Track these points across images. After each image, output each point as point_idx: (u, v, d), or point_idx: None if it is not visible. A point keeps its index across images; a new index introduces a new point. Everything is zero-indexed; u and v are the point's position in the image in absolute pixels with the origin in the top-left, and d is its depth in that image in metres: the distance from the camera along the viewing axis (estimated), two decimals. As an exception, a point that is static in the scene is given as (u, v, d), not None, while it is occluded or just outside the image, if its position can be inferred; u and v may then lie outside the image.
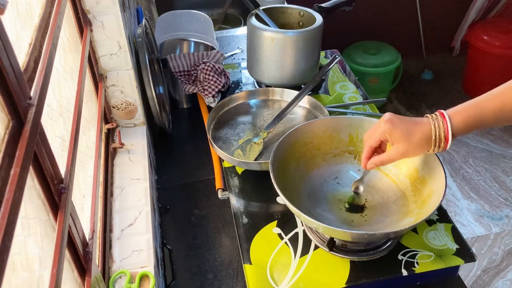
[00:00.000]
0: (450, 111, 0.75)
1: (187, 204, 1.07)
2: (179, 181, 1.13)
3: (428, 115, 0.76)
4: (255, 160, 1.01)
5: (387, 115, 0.77)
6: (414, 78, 2.91)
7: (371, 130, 0.79)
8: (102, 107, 0.98)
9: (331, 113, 1.15)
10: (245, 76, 1.39)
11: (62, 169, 0.62)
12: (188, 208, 1.05)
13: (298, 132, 0.93)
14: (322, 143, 0.96)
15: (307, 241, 0.87)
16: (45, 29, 0.63)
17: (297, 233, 0.88)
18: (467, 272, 1.84)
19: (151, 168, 1.06)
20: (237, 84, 1.36)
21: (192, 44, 1.32)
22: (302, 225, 0.90)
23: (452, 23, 2.87)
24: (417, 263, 0.82)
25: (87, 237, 0.70)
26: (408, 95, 2.80)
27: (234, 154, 1.02)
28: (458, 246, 0.85)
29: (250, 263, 0.83)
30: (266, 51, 1.20)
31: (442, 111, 0.75)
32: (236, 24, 1.99)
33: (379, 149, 0.81)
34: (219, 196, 0.99)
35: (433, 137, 0.74)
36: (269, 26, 1.21)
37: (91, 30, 0.95)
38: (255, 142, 1.04)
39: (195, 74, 1.27)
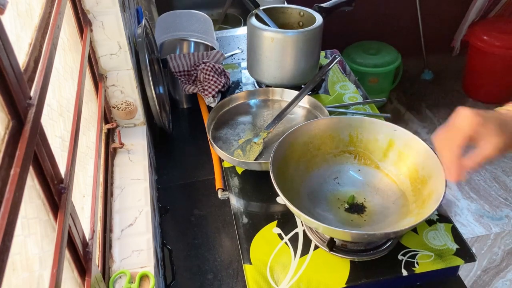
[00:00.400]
0: None
1: (187, 204, 1.07)
2: (179, 181, 1.13)
3: (500, 109, 0.65)
4: (255, 160, 1.01)
5: (464, 110, 0.63)
6: (414, 78, 2.91)
7: (444, 135, 0.64)
8: (102, 107, 0.98)
9: (331, 113, 1.15)
10: (245, 76, 1.39)
11: (62, 169, 0.62)
12: (188, 208, 1.05)
13: (298, 132, 0.93)
14: (322, 143, 0.96)
15: (307, 241, 0.87)
16: (45, 29, 0.63)
17: (297, 233, 0.88)
18: (467, 272, 1.84)
19: (151, 168, 1.06)
20: (237, 84, 1.36)
21: (192, 44, 1.32)
22: (302, 225, 0.90)
23: (452, 23, 2.86)
24: (417, 263, 0.82)
25: (87, 237, 0.70)
26: (408, 95, 2.80)
27: (234, 154, 1.02)
28: (458, 246, 0.85)
29: (250, 263, 0.83)
30: (266, 51, 1.20)
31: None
32: (236, 24, 1.99)
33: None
34: (219, 196, 0.99)
35: None
36: (269, 26, 1.21)
37: (91, 30, 0.95)
38: (255, 142, 1.04)
39: (195, 74, 1.27)
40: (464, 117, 0.63)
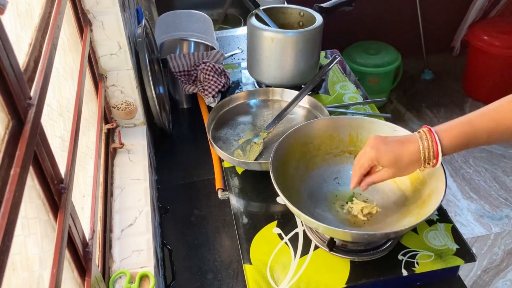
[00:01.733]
0: (440, 128, 0.72)
1: (187, 204, 1.07)
2: (179, 181, 1.13)
3: (416, 132, 0.74)
4: (255, 160, 1.01)
5: (372, 141, 0.76)
6: (414, 78, 2.91)
7: (359, 157, 0.79)
8: (102, 107, 0.98)
9: (331, 113, 1.15)
10: (245, 76, 1.39)
11: (62, 169, 0.62)
12: (188, 208, 1.05)
13: (298, 132, 0.93)
14: (322, 143, 0.96)
15: (307, 241, 0.87)
16: (45, 29, 0.63)
17: (297, 233, 0.88)
18: (467, 272, 1.84)
19: (151, 168, 1.06)
20: (237, 84, 1.36)
21: (192, 44, 1.32)
22: (302, 225, 0.90)
23: (452, 23, 2.86)
24: (417, 263, 0.82)
25: (87, 237, 0.70)
26: (408, 95, 2.80)
27: (234, 154, 1.02)
28: (458, 246, 0.85)
29: (250, 263, 0.83)
30: (266, 51, 1.20)
31: (431, 128, 0.72)
32: (236, 24, 1.99)
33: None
34: (219, 196, 0.99)
35: (422, 157, 0.73)
36: (269, 26, 1.21)
37: (91, 30, 0.95)
38: (255, 142, 1.04)
39: (195, 74, 1.27)
40: (366, 149, 0.77)
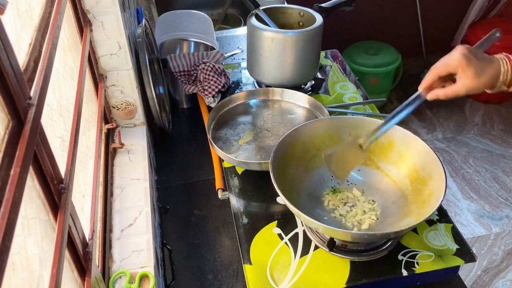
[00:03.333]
0: None
1: (187, 204, 1.07)
2: (179, 181, 1.13)
3: (497, 56, 0.77)
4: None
5: (462, 49, 0.76)
6: (414, 78, 2.91)
7: (443, 60, 0.78)
8: (102, 107, 0.98)
9: (331, 113, 1.15)
10: (245, 76, 1.39)
11: (62, 169, 0.62)
12: (188, 208, 1.05)
13: (298, 132, 0.93)
14: (322, 143, 0.96)
15: (307, 241, 0.87)
16: (45, 29, 0.63)
17: (297, 233, 0.88)
18: (467, 272, 1.84)
19: (151, 168, 1.06)
20: (237, 84, 1.36)
21: (192, 44, 1.32)
22: (302, 225, 0.90)
23: (452, 23, 2.86)
24: (417, 263, 0.82)
25: (87, 237, 0.70)
26: (408, 95, 2.79)
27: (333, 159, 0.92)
28: (458, 246, 0.85)
29: (250, 263, 0.83)
30: (266, 51, 1.20)
31: (508, 56, 0.76)
32: (236, 24, 1.99)
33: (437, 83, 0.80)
34: (219, 196, 0.99)
35: (501, 78, 0.75)
36: (269, 26, 1.21)
37: (91, 30, 0.95)
38: (359, 145, 0.89)
39: (195, 74, 1.27)
40: (454, 55, 0.76)
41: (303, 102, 1.17)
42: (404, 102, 0.84)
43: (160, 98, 1.25)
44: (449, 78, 0.79)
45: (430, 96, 0.80)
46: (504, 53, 0.76)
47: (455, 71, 0.76)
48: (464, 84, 0.76)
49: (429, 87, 0.80)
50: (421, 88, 0.81)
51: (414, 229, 0.88)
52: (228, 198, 0.98)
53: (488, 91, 0.78)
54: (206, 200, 1.07)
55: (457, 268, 0.85)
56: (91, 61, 0.97)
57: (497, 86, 0.76)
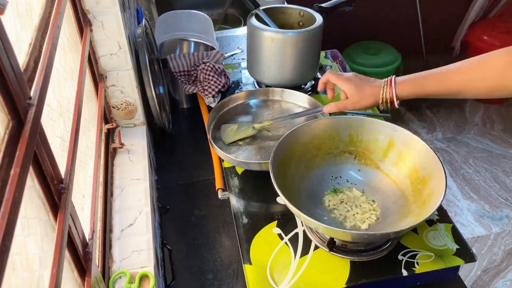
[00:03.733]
0: (400, 79, 0.89)
1: (187, 204, 1.07)
2: (179, 181, 1.13)
3: (384, 80, 0.91)
4: (230, 143, 1.05)
5: (349, 75, 0.95)
6: (414, 78, 2.91)
7: (338, 77, 0.96)
8: (102, 107, 0.98)
9: (331, 113, 1.15)
10: (245, 76, 1.39)
11: (62, 169, 0.62)
12: (188, 208, 1.05)
13: (298, 132, 0.93)
14: (322, 143, 0.96)
15: (307, 241, 0.87)
16: (45, 29, 0.63)
17: (297, 233, 0.88)
18: (467, 272, 1.84)
19: (151, 168, 1.06)
20: (237, 84, 1.36)
21: (192, 44, 1.32)
22: (302, 225, 0.90)
23: (452, 23, 2.86)
24: (417, 263, 0.82)
25: (87, 237, 0.70)
26: (408, 95, 2.79)
27: (228, 128, 1.08)
28: (458, 246, 0.85)
29: (250, 263, 0.83)
30: (266, 51, 1.20)
31: (393, 78, 0.90)
32: (236, 24, 1.99)
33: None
34: (219, 196, 0.99)
35: (380, 98, 0.91)
36: (269, 26, 1.21)
37: (91, 30, 0.95)
38: (253, 127, 1.05)
39: (195, 74, 1.27)
40: (343, 78, 0.95)
41: (303, 102, 1.17)
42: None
43: (160, 98, 1.25)
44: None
45: (326, 109, 1.02)
46: (391, 78, 0.90)
47: (337, 81, 0.95)
48: (350, 99, 0.95)
49: (324, 83, 1.01)
50: (319, 89, 1.03)
51: (414, 229, 0.88)
52: (228, 198, 0.98)
53: (380, 107, 0.92)
54: (206, 200, 1.07)
55: (457, 268, 0.85)
56: (91, 61, 0.97)
57: (380, 103, 0.91)
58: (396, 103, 0.90)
